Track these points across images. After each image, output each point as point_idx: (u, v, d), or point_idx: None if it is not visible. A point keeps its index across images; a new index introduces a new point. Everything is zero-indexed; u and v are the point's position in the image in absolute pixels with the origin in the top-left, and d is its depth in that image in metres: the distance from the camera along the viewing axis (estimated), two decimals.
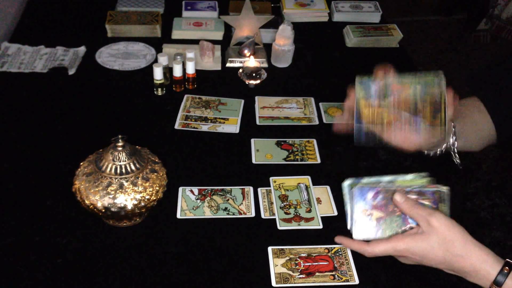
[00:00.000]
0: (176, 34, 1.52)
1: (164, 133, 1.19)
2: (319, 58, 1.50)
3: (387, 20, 1.68)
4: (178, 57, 1.28)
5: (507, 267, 0.74)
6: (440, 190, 0.82)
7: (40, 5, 1.64)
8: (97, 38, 1.48)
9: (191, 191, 1.03)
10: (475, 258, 0.75)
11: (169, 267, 0.89)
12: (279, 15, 1.63)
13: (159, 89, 1.29)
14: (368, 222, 0.84)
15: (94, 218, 0.95)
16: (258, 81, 1.34)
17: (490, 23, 3.07)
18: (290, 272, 0.89)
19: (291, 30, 1.39)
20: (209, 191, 1.03)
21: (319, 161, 1.13)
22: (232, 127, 1.21)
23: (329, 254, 0.92)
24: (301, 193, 1.05)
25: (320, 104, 1.30)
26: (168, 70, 1.30)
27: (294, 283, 0.87)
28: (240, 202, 1.02)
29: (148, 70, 1.35)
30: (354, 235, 0.84)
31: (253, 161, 1.12)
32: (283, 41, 1.40)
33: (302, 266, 0.90)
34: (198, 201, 1.01)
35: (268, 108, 1.28)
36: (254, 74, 1.33)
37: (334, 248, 0.93)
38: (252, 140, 1.17)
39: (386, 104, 0.84)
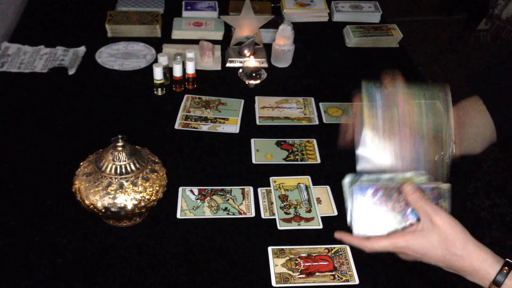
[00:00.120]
0: (176, 34, 1.52)
1: (164, 133, 1.19)
2: (319, 58, 1.50)
3: (387, 20, 1.68)
4: (178, 57, 1.28)
5: (506, 267, 0.74)
6: (440, 187, 0.82)
7: (40, 5, 1.64)
8: (97, 38, 1.48)
9: (191, 191, 1.03)
10: (474, 258, 0.75)
11: (169, 267, 0.89)
12: (279, 15, 1.63)
13: (159, 89, 1.29)
14: (368, 218, 0.84)
15: (94, 218, 0.95)
16: (258, 81, 1.34)
17: (490, 23, 3.07)
18: (290, 272, 0.89)
19: (291, 30, 1.39)
20: (209, 191, 1.03)
21: (319, 161, 1.13)
22: (232, 127, 1.21)
23: (329, 254, 0.92)
24: (301, 193, 1.05)
25: (320, 104, 1.30)
26: (168, 70, 1.30)
27: (294, 283, 0.87)
28: (240, 202, 1.02)
29: (148, 70, 1.35)
30: (354, 231, 0.84)
31: (253, 161, 1.12)
32: (283, 41, 1.40)
33: (302, 266, 0.90)
34: (198, 201, 1.01)
35: (268, 108, 1.28)
36: (254, 74, 1.33)
37: (334, 248, 0.93)
38: (252, 140, 1.17)
39: (389, 117, 0.84)
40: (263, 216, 1.00)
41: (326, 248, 0.93)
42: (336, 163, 1.13)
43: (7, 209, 0.97)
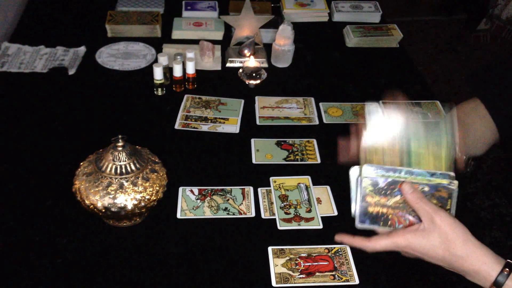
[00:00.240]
0: (176, 34, 1.52)
1: (164, 133, 1.19)
2: (319, 58, 1.50)
3: (387, 20, 1.68)
4: (178, 57, 1.28)
5: (507, 268, 0.74)
6: (449, 186, 0.82)
7: (40, 5, 1.64)
8: (97, 38, 1.48)
9: (191, 191, 1.03)
10: (475, 259, 0.75)
11: (169, 267, 0.89)
12: (279, 15, 1.63)
13: (159, 89, 1.29)
14: (372, 212, 0.83)
15: (94, 218, 0.95)
16: (258, 81, 1.34)
17: (490, 23, 3.07)
18: (290, 272, 0.89)
19: (291, 30, 1.39)
20: (209, 191, 1.03)
21: (319, 161, 1.13)
22: (232, 127, 1.21)
23: (329, 254, 0.92)
24: (301, 193, 1.05)
25: (320, 104, 1.30)
26: (168, 70, 1.30)
27: (294, 283, 0.87)
28: (240, 202, 1.02)
29: (148, 70, 1.35)
30: (357, 223, 0.83)
31: (253, 161, 1.12)
32: (283, 41, 1.40)
33: (302, 266, 0.90)
34: (198, 201, 1.01)
35: (268, 108, 1.28)
36: (254, 74, 1.33)
37: (334, 248, 0.93)
38: (252, 140, 1.17)
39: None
40: (263, 216, 1.00)
41: (326, 248, 0.93)
42: (336, 163, 1.13)
43: (7, 209, 0.97)
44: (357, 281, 0.88)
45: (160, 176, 0.93)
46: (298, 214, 1.00)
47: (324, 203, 1.03)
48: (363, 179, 0.83)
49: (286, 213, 1.00)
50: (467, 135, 0.97)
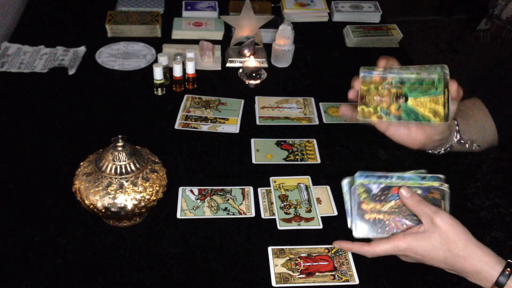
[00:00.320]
0: (176, 34, 1.52)
1: (164, 133, 1.19)
2: (319, 58, 1.50)
3: (387, 20, 1.68)
4: (178, 57, 1.28)
5: (508, 268, 0.74)
6: (441, 188, 0.82)
7: (40, 5, 1.64)
8: (97, 38, 1.48)
9: (191, 191, 1.03)
10: (476, 260, 0.75)
11: (169, 267, 0.89)
12: (279, 15, 1.63)
13: (159, 89, 1.29)
14: (368, 219, 0.84)
15: (94, 218, 0.95)
16: (258, 81, 1.34)
17: (490, 23, 3.07)
18: (290, 272, 0.89)
19: (291, 30, 1.39)
20: (209, 191, 1.03)
21: (319, 161, 1.13)
22: (232, 127, 1.21)
23: (329, 254, 0.92)
24: (301, 193, 1.05)
25: (320, 104, 1.30)
26: (168, 70, 1.30)
27: (294, 283, 0.87)
28: (240, 202, 1.02)
29: (148, 70, 1.35)
30: (355, 234, 0.84)
31: (253, 161, 1.12)
32: (283, 41, 1.40)
33: (302, 266, 0.90)
34: (198, 201, 1.01)
35: (268, 108, 1.28)
36: (254, 74, 1.33)
37: (334, 248, 0.93)
38: (252, 140, 1.17)
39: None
40: (263, 216, 1.00)
41: (326, 248, 0.93)
42: (336, 163, 1.14)
43: (7, 209, 0.97)
44: (357, 281, 0.88)
45: (160, 176, 0.93)
46: (298, 214, 1.00)
47: (324, 203, 1.03)
48: (356, 187, 0.83)
49: (286, 213, 1.00)
50: (468, 124, 0.97)
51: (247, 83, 1.34)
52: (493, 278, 0.75)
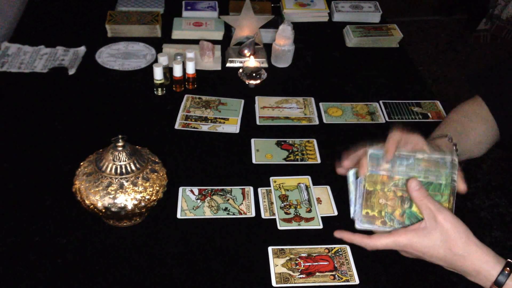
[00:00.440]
0: (176, 34, 1.52)
1: (164, 133, 1.19)
2: (319, 58, 1.50)
3: (387, 20, 1.68)
4: (178, 57, 1.28)
5: (508, 268, 0.74)
6: (453, 183, 0.82)
7: (40, 5, 1.64)
8: (97, 38, 1.48)
9: (191, 191, 1.03)
10: (476, 259, 0.75)
11: (169, 267, 0.89)
12: (279, 15, 1.63)
13: (159, 89, 1.29)
14: (372, 210, 0.83)
15: (94, 218, 0.95)
16: (258, 81, 1.34)
17: (490, 23, 3.07)
18: (290, 272, 0.89)
19: (291, 30, 1.39)
20: (209, 191, 1.03)
21: (319, 161, 1.13)
22: (232, 127, 1.21)
23: (329, 254, 0.92)
24: (301, 193, 1.05)
25: (320, 104, 1.30)
26: (168, 70, 1.30)
27: (294, 283, 0.87)
28: (240, 202, 1.02)
29: (148, 70, 1.35)
30: (357, 225, 0.83)
31: (253, 161, 1.12)
32: (283, 41, 1.40)
33: (302, 266, 0.90)
34: (198, 201, 1.01)
35: (268, 108, 1.28)
36: (254, 74, 1.33)
37: (334, 248, 0.93)
38: (252, 140, 1.17)
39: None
40: (263, 216, 1.00)
41: (326, 248, 0.93)
42: (336, 163, 1.13)
43: (7, 209, 0.97)
44: (357, 281, 0.88)
45: (160, 176, 0.93)
46: (298, 214, 1.00)
47: (324, 203, 1.03)
48: (359, 180, 0.83)
49: (286, 213, 1.00)
50: (468, 137, 0.97)
51: (247, 83, 1.34)
52: (492, 277, 0.75)
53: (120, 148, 0.89)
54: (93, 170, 0.90)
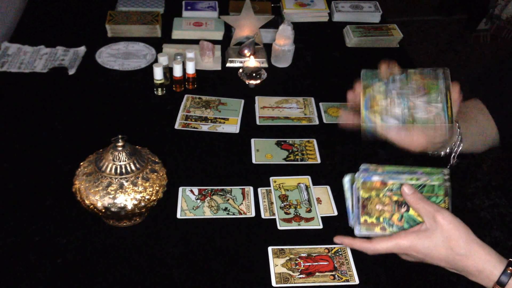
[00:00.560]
0: (176, 34, 1.52)
1: (164, 133, 1.19)
2: (319, 58, 1.50)
3: (387, 20, 1.68)
4: (178, 57, 1.28)
5: (510, 268, 0.74)
6: (446, 184, 0.82)
7: (40, 5, 1.64)
8: (97, 38, 1.48)
9: (191, 191, 1.03)
10: (478, 258, 0.75)
11: (169, 267, 0.89)
12: (279, 15, 1.63)
13: (159, 89, 1.29)
14: (370, 217, 0.83)
15: (94, 218, 0.95)
16: (258, 81, 1.34)
17: (490, 23, 3.07)
18: (290, 272, 0.89)
19: (291, 30, 1.39)
20: (209, 191, 1.03)
21: (319, 161, 1.13)
22: (232, 127, 1.21)
23: (329, 254, 0.92)
24: (301, 193, 1.05)
25: (320, 104, 1.30)
26: (168, 70, 1.30)
27: (294, 283, 0.87)
28: (240, 202, 1.02)
29: (148, 70, 1.35)
30: (356, 232, 0.84)
31: (253, 161, 1.12)
32: (283, 41, 1.40)
33: (302, 266, 0.90)
34: (198, 201, 1.01)
35: (268, 108, 1.28)
36: (254, 74, 1.33)
37: (334, 248, 0.93)
38: (252, 140, 1.17)
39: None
40: (263, 216, 1.00)
41: (326, 248, 0.93)
42: (336, 163, 1.13)
43: (7, 209, 0.97)
44: (357, 281, 0.88)
45: (160, 176, 0.93)
46: (298, 214, 1.00)
47: (324, 203, 1.03)
48: (355, 186, 0.83)
49: (286, 213, 1.00)
50: (469, 127, 0.97)
51: (247, 83, 1.34)
52: (495, 277, 0.74)
53: (120, 148, 0.89)
54: (93, 170, 0.90)
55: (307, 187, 1.06)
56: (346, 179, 0.87)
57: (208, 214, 0.99)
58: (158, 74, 1.26)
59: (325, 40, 1.59)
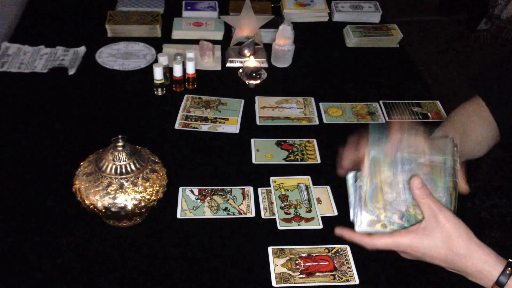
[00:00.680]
0: (176, 34, 1.52)
1: (164, 133, 1.19)
2: (319, 58, 1.50)
3: (387, 20, 1.68)
4: (178, 57, 1.28)
5: (509, 268, 0.74)
6: (455, 180, 0.82)
7: (40, 5, 1.64)
8: (97, 38, 1.48)
9: (191, 191, 1.03)
10: (477, 259, 0.75)
11: (169, 267, 0.89)
12: (279, 15, 1.63)
13: (159, 89, 1.29)
14: (371, 214, 0.83)
15: (94, 218, 0.95)
16: (258, 81, 1.34)
17: (490, 23, 3.07)
18: (290, 272, 0.89)
19: (291, 30, 1.39)
20: (209, 191, 1.03)
21: (319, 161, 1.13)
22: (232, 127, 1.21)
23: (329, 254, 0.92)
24: (301, 193, 1.05)
25: (320, 104, 1.30)
26: (168, 70, 1.30)
27: (294, 283, 0.87)
28: (240, 202, 1.02)
29: (148, 70, 1.35)
30: (357, 228, 0.83)
31: (253, 161, 1.12)
32: (283, 41, 1.40)
33: (302, 266, 0.90)
34: (198, 201, 1.01)
35: (268, 108, 1.28)
36: (254, 74, 1.33)
37: (334, 248, 0.93)
38: (252, 140, 1.17)
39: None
40: (263, 216, 1.00)
41: (326, 248, 0.93)
42: (336, 163, 1.13)
43: (7, 209, 0.97)
44: (357, 281, 0.88)
45: (160, 176, 0.93)
46: (298, 214, 1.00)
47: (324, 203, 1.03)
48: (358, 184, 0.83)
49: (286, 213, 1.00)
50: (469, 138, 0.97)
51: (247, 83, 1.34)
52: (493, 277, 0.74)
53: (120, 148, 0.89)
54: (93, 170, 0.90)
55: (307, 187, 1.06)
56: (350, 175, 0.87)
57: (208, 214, 0.99)
58: (158, 74, 1.26)
59: (325, 40, 1.59)
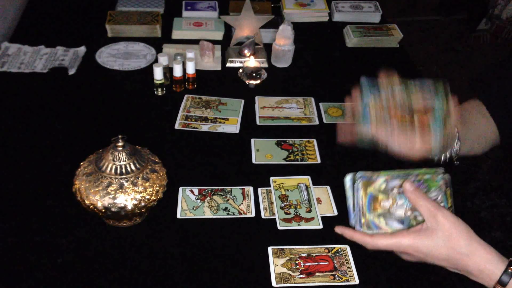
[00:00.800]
0: (176, 34, 1.52)
1: (164, 133, 1.19)
2: (319, 58, 1.50)
3: (387, 20, 1.68)
4: (178, 57, 1.28)
5: (511, 267, 0.74)
6: (444, 177, 0.82)
7: (40, 5, 1.64)
8: (97, 38, 1.48)
9: (191, 191, 1.03)
10: (479, 258, 0.75)
11: (169, 267, 0.89)
12: (279, 15, 1.63)
13: (159, 89, 1.29)
14: (373, 226, 0.83)
15: (94, 218, 0.95)
16: (258, 81, 1.34)
17: (490, 23, 3.07)
18: (290, 272, 0.89)
19: (291, 30, 1.39)
20: (209, 191, 1.03)
21: (319, 161, 1.13)
22: (232, 127, 1.21)
23: (329, 254, 0.92)
24: (301, 193, 1.05)
25: (320, 104, 1.30)
26: (168, 70, 1.30)
27: (294, 283, 0.87)
28: (240, 202, 1.02)
29: (148, 70, 1.35)
30: (357, 228, 0.83)
31: (253, 161, 1.12)
32: (283, 41, 1.40)
33: (302, 266, 0.90)
34: (198, 201, 1.01)
35: (268, 108, 1.28)
36: (254, 74, 1.33)
37: (334, 248, 0.93)
38: (252, 140, 1.17)
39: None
40: (263, 216, 1.00)
41: (326, 248, 0.93)
42: (336, 163, 1.13)
43: (7, 209, 0.97)
44: (357, 281, 0.88)
45: (160, 176, 0.93)
46: (298, 214, 1.00)
47: (324, 203, 1.03)
48: (356, 186, 0.83)
49: (286, 213, 1.00)
50: (469, 131, 0.97)
51: (247, 83, 1.34)
52: (496, 276, 0.74)
53: (120, 148, 0.89)
54: (93, 170, 0.90)
55: (307, 187, 1.06)
56: (348, 178, 0.87)
57: (208, 214, 0.99)
58: (158, 74, 1.26)
59: (325, 40, 1.59)
